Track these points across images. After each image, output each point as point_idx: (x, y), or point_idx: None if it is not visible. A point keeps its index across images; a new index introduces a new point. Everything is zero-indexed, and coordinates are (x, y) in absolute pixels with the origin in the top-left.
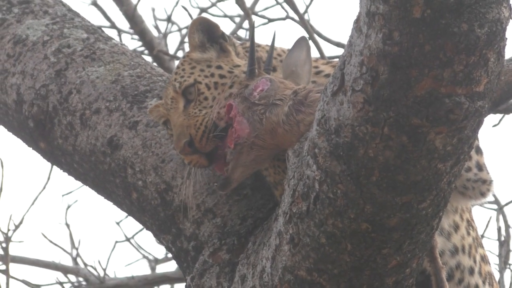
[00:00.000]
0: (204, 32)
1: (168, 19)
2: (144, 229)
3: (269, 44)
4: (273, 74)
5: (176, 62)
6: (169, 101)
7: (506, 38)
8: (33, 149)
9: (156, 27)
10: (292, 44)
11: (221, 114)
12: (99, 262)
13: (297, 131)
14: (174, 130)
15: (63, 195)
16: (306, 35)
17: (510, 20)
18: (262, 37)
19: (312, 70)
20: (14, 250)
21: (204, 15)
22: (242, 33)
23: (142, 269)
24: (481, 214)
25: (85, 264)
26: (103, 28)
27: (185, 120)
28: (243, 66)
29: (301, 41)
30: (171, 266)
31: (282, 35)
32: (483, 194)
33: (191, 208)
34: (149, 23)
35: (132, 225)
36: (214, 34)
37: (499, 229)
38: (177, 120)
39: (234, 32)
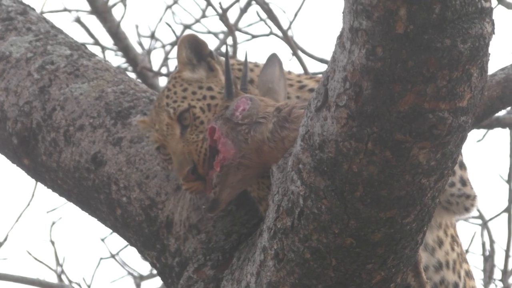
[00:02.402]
0: (192, 50)
1: (152, 36)
2: (129, 245)
3: (255, 61)
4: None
5: (160, 79)
6: (164, 127)
7: (489, 54)
8: (17, 165)
9: (140, 44)
10: (265, 62)
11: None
12: (83, 279)
13: (282, 148)
14: (175, 158)
15: (47, 212)
16: (290, 51)
17: (493, 35)
18: (248, 53)
19: (296, 84)
20: None
21: (188, 31)
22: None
23: (127, 286)
24: (466, 229)
25: (70, 281)
26: (86, 45)
27: (185, 146)
28: None
29: (273, 58)
30: (156, 283)
31: (266, 51)
32: (467, 209)
33: (161, 223)
34: (132, 39)
35: (117, 241)
36: (202, 52)
37: (483, 244)
38: (176, 147)
39: (217, 49)
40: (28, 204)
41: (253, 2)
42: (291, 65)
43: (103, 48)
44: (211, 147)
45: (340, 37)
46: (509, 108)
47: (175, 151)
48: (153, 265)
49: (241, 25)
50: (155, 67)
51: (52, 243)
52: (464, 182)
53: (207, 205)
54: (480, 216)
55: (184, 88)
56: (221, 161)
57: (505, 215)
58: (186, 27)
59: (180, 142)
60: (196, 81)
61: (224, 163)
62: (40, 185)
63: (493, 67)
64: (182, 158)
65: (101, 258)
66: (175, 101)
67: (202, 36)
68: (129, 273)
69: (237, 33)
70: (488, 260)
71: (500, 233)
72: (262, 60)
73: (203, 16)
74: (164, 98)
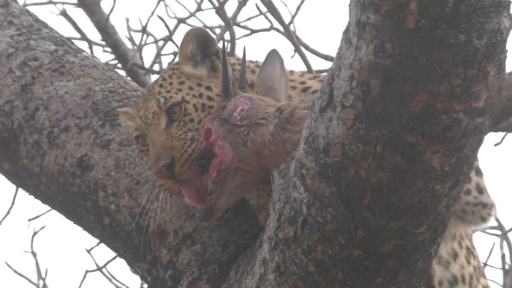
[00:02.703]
0: (199, 45)
1: (143, 30)
2: (117, 257)
3: (256, 60)
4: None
5: (152, 77)
6: (150, 115)
7: (507, 50)
8: None
9: (130, 39)
10: (264, 59)
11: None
12: None
13: (284, 151)
14: (153, 149)
15: (29, 220)
16: (292, 48)
17: (511, 30)
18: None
19: (299, 87)
20: None
21: (182, 26)
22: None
23: None
24: (484, 241)
25: None
26: (73, 40)
27: (168, 140)
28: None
29: (273, 54)
30: None
31: (266, 47)
32: (483, 219)
33: (152, 232)
34: (122, 34)
35: (104, 252)
36: (209, 49)
37: (503, 257)
38: (157, 138)
39: None
40: (8, 212)
41: None
42: (293, 62)
43: (91, 44)
44: (206, 150)
45: (346, 32)
46: None
47: (154, 142)
48: (143, 278)
49: (239, 19)
50: (147, 64)
51: (34, 254)
52: (480, 189)
53: (201, 213)
54: (499, 227)
55: (181, 81)
56: (218, 165)
57: None
58: (180, 21)
59: (163, 134)
60: (195, 77)
61: (221, 168)
62: (21, 191)
63: (511, 65)
64: (161, 151)
65: (86, 271)
66: (168, 91)
67: None
68: (118, 287)
69: (235, 28)
70: (508, 274)
71: None
72: (263, 58)
73: (199, 9)
74: (156, 86)
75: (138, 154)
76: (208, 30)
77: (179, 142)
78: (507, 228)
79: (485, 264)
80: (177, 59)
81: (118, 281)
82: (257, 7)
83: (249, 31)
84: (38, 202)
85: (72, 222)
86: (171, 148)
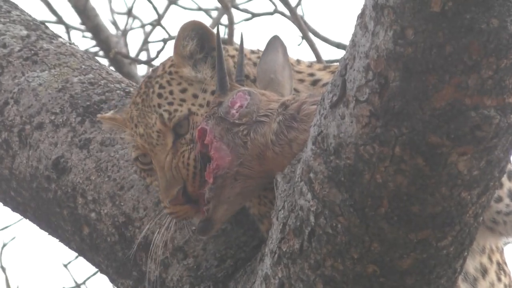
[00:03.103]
0: (198, 42)
1: (129, 13)
2: (98, 272)
3: (258, 49)
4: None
5: (138, 67)
6: (154, 134)
7: None
8: None
9: (114, 23)
10: (265, 47)
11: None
12: None
13: (290, 153)
14: (162, 175)
15: None
16: (299, 34)
17: None
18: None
19: (307, 79)
20: None
21: (173, 8)
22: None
23: None
24: None
25: None
26: (47, 24)
27: (174, 160)
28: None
29: (274, 42)
30: None
31: (269, 33)
32: None
33: (138, 245)
34: (105, 17)
35: (83, 267)
36: (209, 44)
37: None
38: (165, 161)
39: None
40: None
41: None
42: (300, 51)
43: (68, 28)
44: (201, 153)
45: (361, 16)
46: None
47: (162, 166)
48: None
49: (238, 1)
50: (132, 52)
51: (3, 269)
52: None
53: (198, 225)
54: None
55: (182, 88)
56: (215, 170)
57: None
58: (171, 2)
59: (170, 154)
60: (198, 81)
61: (218, 173)
62: None
63: None
64: (170, 174)
65: None
66: (170, 103)
67: (190, 14)
68: None
69: (234, 11)
70: None
71: None
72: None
73: None
74: (154, 96)
75: (122, 155)
76: (204, 23)
77: (180, 158)
78: None
79: None
80: (167, 47)
81: None
82: None
83: (250, 15)
84: (8, 210)
85: (47, 233)
86: (176, 168)
